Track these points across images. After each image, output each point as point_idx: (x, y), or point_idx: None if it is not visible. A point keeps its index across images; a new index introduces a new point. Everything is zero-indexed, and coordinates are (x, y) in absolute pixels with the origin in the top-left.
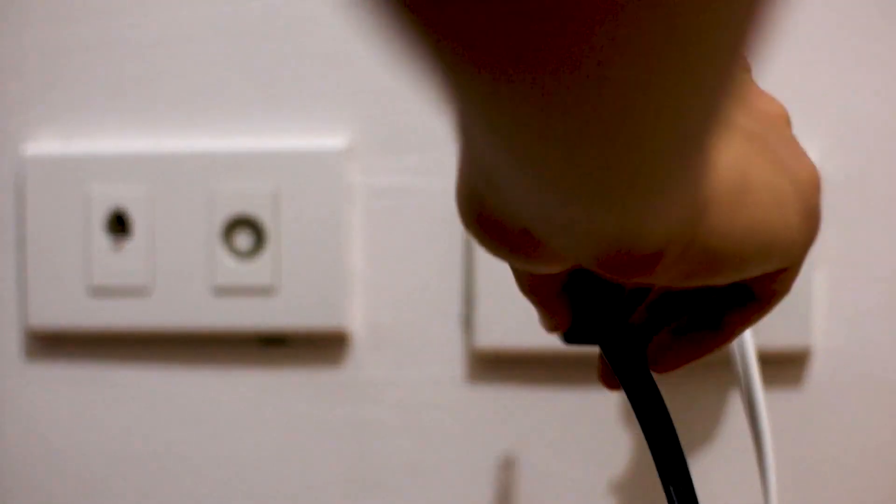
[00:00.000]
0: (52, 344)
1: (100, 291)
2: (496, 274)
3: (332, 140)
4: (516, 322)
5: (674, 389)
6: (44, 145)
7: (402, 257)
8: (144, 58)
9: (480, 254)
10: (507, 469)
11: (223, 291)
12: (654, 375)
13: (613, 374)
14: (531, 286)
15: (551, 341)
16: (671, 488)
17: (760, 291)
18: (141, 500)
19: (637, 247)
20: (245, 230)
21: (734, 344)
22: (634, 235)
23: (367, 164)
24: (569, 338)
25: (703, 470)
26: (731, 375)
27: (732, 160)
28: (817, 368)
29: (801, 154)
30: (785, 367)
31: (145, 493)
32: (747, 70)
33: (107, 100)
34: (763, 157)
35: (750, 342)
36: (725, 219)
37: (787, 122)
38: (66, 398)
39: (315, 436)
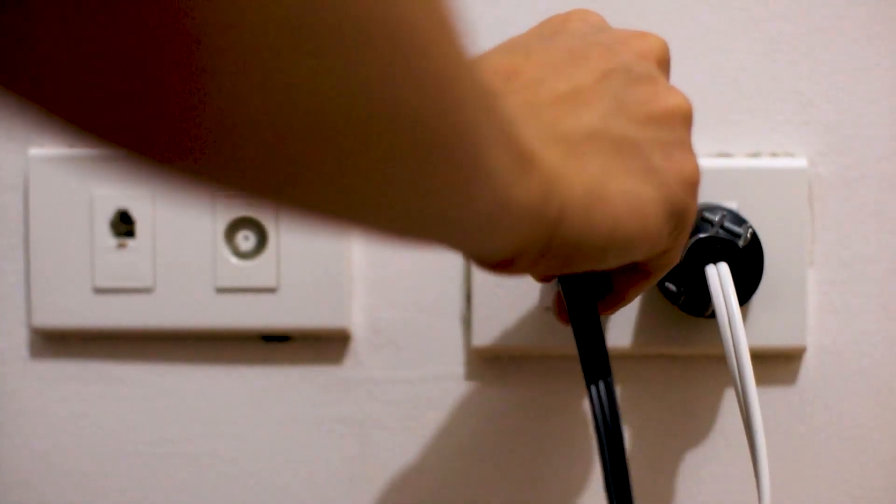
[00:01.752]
0: (57, 342)
1: (104, 290)
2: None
3: None
4: (514, 322)
5: (668, 387)
6: (49, 146)
7: (402, 257)
8: None
9: None
10: (506, 467)
11: (226, 290)
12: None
13: (566, 310)
14: None
15: (550, 340)
16: (592, 388)
17: (642, 268)
18: (144, 497)
19: (490, 259)
20: (247, 230)
21: (728, 342)
22: (484, 253)
23: None
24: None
25: (697, 466)
26: (726, 373)
27: (590, 174)
28: (811, 366)
29: (681, 156)
30: (779, 364)
31: (149, 490)
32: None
33: None
34: (628, 166)
35: (744, 340)
36: (579, 225)
37: (684, 117)
38: (71, 396)
39: (316, 433)
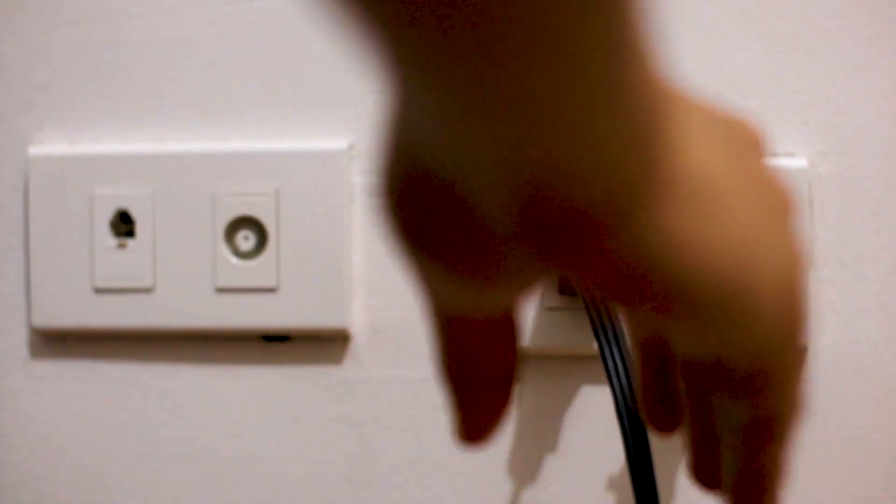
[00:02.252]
0: (57, 343)
1: (104, 290)
2: None
3: (332, 140)
4: None
5: None
6: (49, 146)
7: None
8: (148, 59)
9: None
10: (506, 467)
11: (226, 290)
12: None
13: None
14: None
15: (550, 341)
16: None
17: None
18: (144, 497)
19: (555, 176)
20: (247, 230)
21: None
22: (551, 167)
23: (368, 165)
24: None
25: None
26: None
27: (700, 164)
28: (813, 366)
29: (791, 230)
30: None
31: (149, 490)
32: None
33: (111, 101)
34: (743, 194)
35: None
36: (684, 215)
37: (789, 195)
38: (71, 396)
39: (316, 433)
